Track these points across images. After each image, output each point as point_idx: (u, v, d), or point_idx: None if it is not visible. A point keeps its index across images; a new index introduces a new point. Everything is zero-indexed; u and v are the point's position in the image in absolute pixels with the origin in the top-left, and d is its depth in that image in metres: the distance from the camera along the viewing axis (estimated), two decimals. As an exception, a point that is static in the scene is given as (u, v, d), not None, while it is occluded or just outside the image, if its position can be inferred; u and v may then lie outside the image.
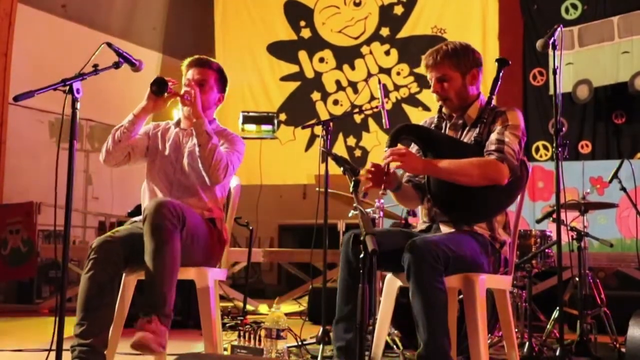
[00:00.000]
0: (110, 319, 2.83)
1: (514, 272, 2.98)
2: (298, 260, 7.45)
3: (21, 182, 7.94)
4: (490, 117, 2.80)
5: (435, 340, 2.45)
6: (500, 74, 2.91)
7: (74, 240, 8.42)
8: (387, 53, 8.96)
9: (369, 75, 8.86)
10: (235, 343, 3.58)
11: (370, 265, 1.91)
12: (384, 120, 4.29)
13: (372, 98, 8.46)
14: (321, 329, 4.00)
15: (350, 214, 4.53)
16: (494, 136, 2.74)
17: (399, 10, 8.97)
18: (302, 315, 5.76)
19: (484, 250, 2.72)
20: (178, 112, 3.34)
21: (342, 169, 2.37)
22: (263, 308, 6.87)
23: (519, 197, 2.92)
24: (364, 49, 9.05)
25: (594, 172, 6.77)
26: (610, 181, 4.40)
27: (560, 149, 3.27)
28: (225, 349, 3.52)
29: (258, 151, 8.06)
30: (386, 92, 7.57)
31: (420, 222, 2.99)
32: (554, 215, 3.52)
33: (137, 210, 4.40)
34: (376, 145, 8.71)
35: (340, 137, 8.91)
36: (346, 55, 9.12)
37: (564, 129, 7.77)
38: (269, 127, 7.86)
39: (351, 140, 8.93)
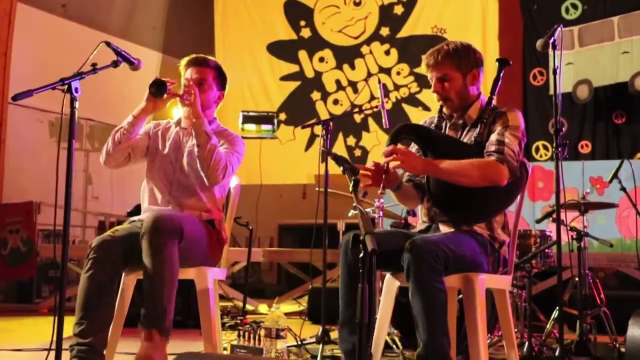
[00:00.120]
0: (110, 318, 2.83)
1: (513, 272, 2.98)
2: (298, 260, 7.45)
3: (21, 181, 7.94)
4: (491, 117, 2.80)
5: (435, 340, 2.45)
6: (501, 74, 2.91)
7: (74, 239, 8.41)
8: (387, 53, 8.96)
9: (369, 75, 8.86)
10: (235, 343, 3.58)
11: (370, 264, 1.91)
12: (383, 120, 4.28)
13: (372, 98, 8.45)
14: (321, 328, 4.00)
15: (350, 214, 4.52)
16: (494, 137, 2.74)
17: (399, 10, 8.97)
18: (302, 315, 5.76)
19: (483, 250, 2.72)
20: (178, 111, 3.34)
21: (341, 168, 2.37)
22: (263, 308, 6.87)
23: (518, 197, 2.92)
24: (364, 49, 9.05)
25: (593, 172, 6.77)
26: (610, 181, 4.40)
27: (560, 149, 3.26)
28: (224, 349, 3.51)
29: (258, 151, 8.06)
30: (386, 92, 7.55)
31: (419, 221, 2.99)
32: (554, 215, 3.52)
33: (136, 210, 4.40)
34: (376, 145, 8.71)
35: (340, 136, 8.91)
36: (346, 55, 9.11)
37: (563, 129, 7.75)
38: (268, 127, 7.86)
39: (351, 140, 8.93)
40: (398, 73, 8.86)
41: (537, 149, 8.66)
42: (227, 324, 5.04)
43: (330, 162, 2.65)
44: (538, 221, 4.42)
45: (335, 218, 5.71)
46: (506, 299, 2.93)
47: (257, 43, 9.44)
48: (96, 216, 8.95)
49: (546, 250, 4.09)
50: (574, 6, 8.52)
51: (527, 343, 3.88)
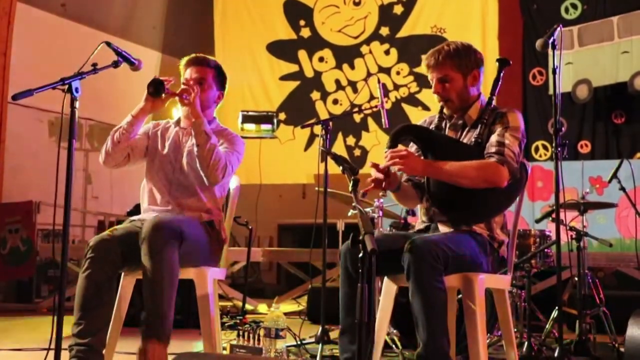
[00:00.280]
0: (108, 318, 2.83)
1: (513, 272, 2.98)
2: (297, 260, 7.45)
3: (20, 181, 7.94)
4: (491, 118, 2.80)
5: (435, 340, 2.45)
6: (501, 74, 2.91)
7: (73, 239, 8.41)
8: (387, 52, 8.95)
9: (369, 74, 8.85)
10: (235, 342, 3.58)
11: (370, 264, 1.91)
12: (383, 120, 4.28)
13: (372, 97, 8.44)
14: (320, 328, 4.00)
15: (349, 214, 4.52)
16: (494, 138, 2.74)
17: (398, 9, 8.96)
18: (301, 315, 5.76)
19: (483, 249, 2.72)
20: (178, 111, 3.33)
21: (341, 168, 2.37)
22: (262, 307, 6.87)
23: (518, 197, 2.92)
24: (364, 49, 9.04)
25: (593, 172, 6.77)
26: (610, 181, 4.40)
27: (559, 149, 3.26)
28: (224, 349, 3.51)
29: (257, 150, 8.05)
30: (386, 92, 7.56)
31: (418, 221, 2.99)
32: (553, 215, 3.52)
33: (136, 210, 4.40)
34: (375, 144, 8.70)
35: (340, 136, 8.90)
36: (346, 55, 9.11)
37: (563, 128, 7.74)
38: (268, 127, 7.85)
39: (350, 140, 8.93)
40: (398, 73, 8.86)
41: (537, 149, 8.66)
42: (226, 324, 5.05)
43: (330, 161, 2.66)
44: (537, 221, 4.42)
45: (335, 218, 5.71)
46: (506, 298, 2.93)
47: (257, 43, 9.44)
48: (96, 216, 8.95)
49: (545, 250, 4.09)
50: (574, 6, 8.53)
51: (526, 343, 3.88)
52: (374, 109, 4.76)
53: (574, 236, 4.14)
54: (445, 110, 2.92)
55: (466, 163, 2.67)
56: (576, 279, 4.18)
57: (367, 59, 9.02)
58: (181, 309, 5.17)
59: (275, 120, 7.94)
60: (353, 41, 9.12)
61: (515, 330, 3.91)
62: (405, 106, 8.75)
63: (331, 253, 4.73)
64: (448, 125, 2.92)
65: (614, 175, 4.37)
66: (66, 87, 2.45)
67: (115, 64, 2.69)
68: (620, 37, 7.99)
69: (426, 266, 2.46)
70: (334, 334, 4.09)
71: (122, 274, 2.96)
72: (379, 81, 4.38)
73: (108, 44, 2.66)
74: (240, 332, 3.57)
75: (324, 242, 4.04)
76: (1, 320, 5.77)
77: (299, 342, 3.95)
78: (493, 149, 2.71)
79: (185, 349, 4.10)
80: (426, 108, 8.46)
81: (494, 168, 2.66)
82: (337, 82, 9.11)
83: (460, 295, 2.92)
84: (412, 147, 2.91)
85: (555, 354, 3.45)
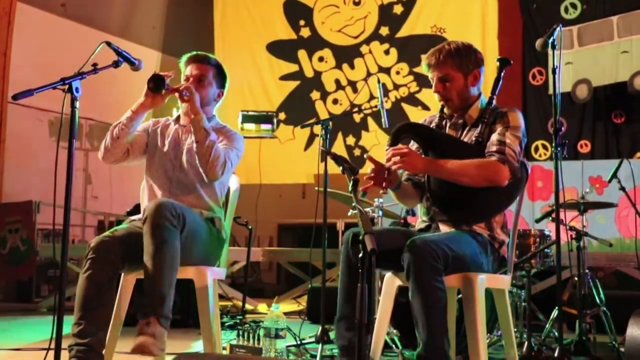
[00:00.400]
0: (108, 318, 2.82)
1: (513, 272, 2.98)
2: (297, 260, 7.44)
3: (20, 181, 7.94)
4: (491, 117, 2.80)
5: (435, 340, 2.45)
6: (502, 74, 2.91)
7: (73, 239, 8.42)
8: (387, 52, 8.96)
9: (369, 74, 8.86)
10: (234, 342, 3.58)
11: (370, 264, 1.91)
12: (383, 120, 4.28)
13: (372, 97, 8.44)
14: (320, 328, 4.00)
15: (349, 213, 4.52)
16: (495, 137, 2.74)
17: (398, 9, 8.97)
18: (301, 315, 5.76)
19: (483, 249, 2.72)
20: (178, 110, 3.33)
21: (341, 168, 2.37)
22: (262, 307, 6.87)
23: (518, 197, 2.92)
24: (364, 48, 9.05)
25: (593, 171, 6.77)
26: (610, 181, 4.39)
27: (559, 149, 3.26)
28: (224, 348, 3.52)
29: (257, 150, 8.06)
30: (385, 92, 7.57)
31: (419, 221, 2.99)
32: (553, 215, 3.52)
33: (136, 209, 4.41)
34: (375, 144, 8.71)
35: (340, 136, 8.91)
36: (346, 55, 9.11)
37: (563, 128, 7.78)
38: (268, 126, 7.85)
39: (350, 140, 8.93)
40: (397, 72, 8.86)
41: (537, 149, 8.66)
42: (226, 324, 5.05)
43: (330, 161, 2.66)
44: (537, 221, 4.42)
45: (335, 217, 5.72)
46: (506, 298, 2.93)
47: (257, 42, 9.44)
48: (95, 215, 8.95)
49: (545, 250, 4.09)
50: (573, 6, 8.52)
51: (526, 343, 3.88)
52: (374, 109, 4.76)
53: (574, 236, 4.14)
54: (445, 110, 2.92)
55: (467, 161, 2.68)
56: (576, 279, 4.18)
57: (367, 59, 9.02)
58: (181, 309, 5.17)
59: (275, 120, 7.95)
60: (353, 41, 9.12)
61: (515, 330, 3.91)
62: (405, 106, 8.75)
63: (331, 253, 4.73)
64: (448, 124, 2.92)
65: (614, 175, 4.36)
66: (66, 87, 2.45)
67: (116, 64, 2.69)
68: (620, 36, 7.99)
69: (426, 266, 2.47)
70: (334, 334, 4.09)
71: (123, 274, 2.95)
72: (378, 81, 4.38)
73: (108, 43, 2.66)
74: (240, 332, 3.58)
75: (323, 242, 4.04)
76: (1, 320, 5.77)
77: (299, 342, 3.95)
78: (494, 148, 2.71)
79: (185, 349, 4.10)
80: (426, 108, 8.47)
81: (495, 167, 2.67)
82: (337, 82, 9.11)
83: (460, 295, 2.92)
84: (413, 146, 2.92)
85: (555, 354, 3.45)
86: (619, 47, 8.01)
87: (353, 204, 2.17)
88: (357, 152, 8.85)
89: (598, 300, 4.22)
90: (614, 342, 4.06)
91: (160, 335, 2.63)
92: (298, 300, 7.16)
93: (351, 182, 2.26)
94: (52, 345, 2.42)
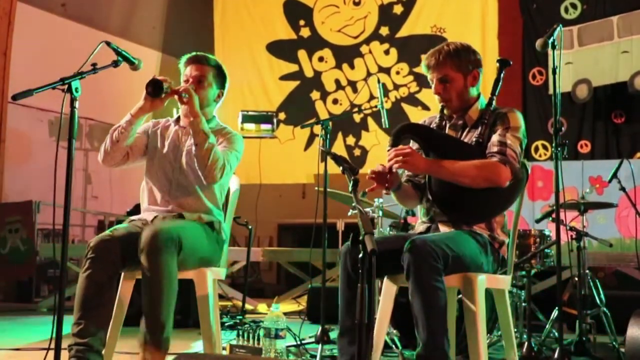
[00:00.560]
0: (108, 318, 2.82)
1: (513, 272, 2.98)
2: (297, 260, 7.45)
3: (20, 180, 7.95)
4: (492, 118, 2.80)
5: (435, 340, 2.45)
6: (502, 75, 2.91)
7: (73, 239, 8.42)
8: (387, 52, 8.96)
9: (369, 74, 8.86)
10: (234, 342, 3.58)
11: (370, 265, 1.91)
12: (383, 120, 4.28)
13: (372, 97, 8.45)
14: (320, 328, 3.99)
15: (349, 213, 4.52)
16: (495, 138, 2.74)
17: (398, 9, 8.97)
18: (301, 315, 5.76)
19: (483, 250, 2.72)
20: (178, 110, 3.33)
21: (341, 168, 2.37)
22: (262, 307, 6.87)
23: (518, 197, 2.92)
24: (364, 48, 9.05)
25: (593, 171, 6.76)
26: (610, 181, 4.39)
27: (559, 149, 3.26)
28: (224, 348, 3.51)
29: (257, 150, 8.06)
30: (385, 92, 7.57)
31: (418, 222, 2.99)
32: (554, 215, 3.52)
33: (136, 209, 4.40)
34: (375, 144, 8.71)
35: (340, 136, 8.91)
36: (345, 55, 9.11)
37: (563, 128, 7.76)
38: (268, 127, 7.85)
39: (350, 140, 8.93)
40: (397, 72, 8.86)
41: (537, 149, 8.66)
42: (226, 324, 5.05)
43: (330, 161, 2.65)
44: (537, 221, 4.42)
45: (335, 217, 5.71)
46: (506, 298, 2.92)
47: (257, 42, 9.44)
48: (95, 215, 8.95)
49: (545, 250, 4.09)
50: (573, 6, 8.52)
51: (526, 343, 3.88)
52: (374, 109, 4.77)
53: (574, 236, 4.14)
54: (445, 111, 2.92)
55: (468, 162, 2.68)
56: (576, 279, 4.17)
57: (366, 59, 9.02)
58: (181, 309, 5.17)
59: (275, 120, 7.95)
60: (353, 41, 9.12)
61: (515, 330, 3.91)
62: (405, 106, 8.75)
63: (331, 253, 4.73)
64: (448, 125, 2.92)
65: (614, 175, 4.36)
66: (66, 87, 2.45)
67: (115, 64, 2.69)
68: (620, 36, 7.99)
69: (426, 266, 2.46)
70: (333, 334, 4.09)
71: (122, 274, 2.95)
72: (378, 81, 4.38)
73: (108, 43, 2.66)
74: (240, 332, 3.57)
75: (323, 242, 4.04)
76: (1, 320, 5.77)
77: (299, 342, 3.95)
78: (495, 149, 2.71)
79: (185, 349, 4.10)
80: (426, 108, 8.47)
81: (497, 167, 2.67)
82: (337, 82, 9.11)
83: (460, 295, 2.91)
84: (414, 146, 2.91)
85: (555, 355, 3.45)
86: (619, 47, 8.00)
87: (353, 204, 2.16)
88: (357, 152, 8.85)
89: (598, 301, 4.21)
90: (614, 343, 4.05)
91: (161, 357, 2.66)
92: (298, 300, 7.16)
93: (351, 182, 2.26)
94: (52, 345, 2.41)
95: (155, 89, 2.96)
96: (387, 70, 8.90)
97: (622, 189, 4.37)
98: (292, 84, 9.26)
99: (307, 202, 8.95)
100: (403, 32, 8.92)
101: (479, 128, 2.79)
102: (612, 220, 6.59)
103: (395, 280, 2.82)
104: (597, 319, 4.17)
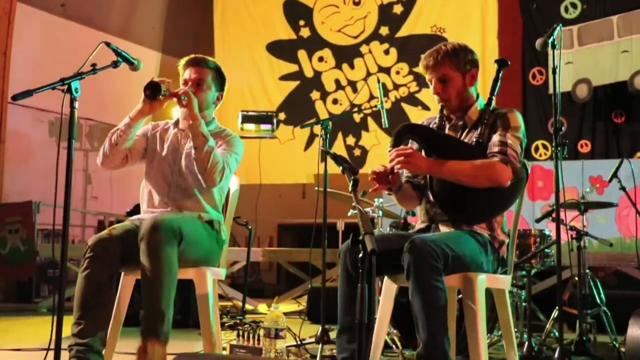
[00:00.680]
0: (108, 318, 2.82)
1: (513, 272, 2.98)
2: (297, 260, 7.45)
3: (20, 181, 7.95)
4: (491, 118, 2.81)
5: (435, 340, 2.45)
6: (500, 75, 2.91)
7: (73, 239, 8.43)
8: (387, 52, 8.96)
9: (368, 74, 8.85)
10: (234, 342, 3.58)
11: (370, 265, 1.91)
12: (383, 120, 4.28)
13: (372, 97, 8.45)
14: (320, 328, 3.99)
15: (349, 213, 4.52)
16: (496, 138, 2.75)
17: (398, 9, 8.96)
18: (301, 315, 5.76)
19: (483, 249, 2.72)
20: (177, 112, 3.32)
21: (341, 168, 2.37)
22: (262, 307, 6.87)
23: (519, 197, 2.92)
24: (363, 48, 9.05)
25: (593, 171, 6.76)
26: (610, 180, 4.39)
27: (559, 148, 3.26)
28: (224, 349, 3.51)
29: (257, 150, 8.06)
30: (385, 91, 7.57)
31: (418, 222, 2.99)
32: (554, 215, 3.51)
33: (136, 210, 4.39)
34: (375, 144, 8.70)
35: (340, 136, 8.90)
36: (345, 55, 9.11)
37: (563, 128, 7.76)
38: (268, 127, 7.85)
39: (350, 140, 8.93)
40: (397, 72, 8.86)
41: (537, 149, 8.66)
42: (226, 324, 5.05)
43: (330, 161, 2.66)
44: (538, 220, 4.42)
45: (335, 217, 5.71)
46: (506, 298, 2.92)
47: (257, 43, 9.44)
48: (95, 216, 8.95)
49: (546, 250, 4.09)
50: (573, 5, 8.52)
51: (526, 343, 3.88)
52: (374, 109, 4.76)
53: (574, 236, 4.13)
54: (445, 111, 2.92)
55: (470, 162, 2.68)
56: (576, 278, 4.17)
57: (366, 59, 9.02)
58: (181, 309, 5.17)
59: (275, 120, 7.94)
60: (353, 41, 9.12)
61: (515, 330, 3.90)
62: (405, 106, 8.75)
63: (331, 253, 4.73)
64: (448, 126, 2.93)
65: (614, 175, 4.36)
66: (66, 87, 2.45)
67: (115, 64, 2.69)
68: (620, 36, 7.99)
69: (426, 266, 2.46)
70: (333, 334, 4.09)
71: (122, 273, 2.95)
72: (378, 81, 4.38)
73: (107, 44, 2.66)
74: (240, 332, 3.57)
75: (323, 242, 4.04)
76: (1, 320, 5.77)
77: (299, 342, 3.95)
78: (496, 149, 2.72)
79: (185, 349, 4.10)
80: (426, 108, 8.47)
81: (498, 167, 2.67)
82: (337, 81, 9.11)
83: (460, 295, 2.91)
84: (414, 147, 2.91)
85: (556, 354, 3.44)
86: (619, 47, 8.00)
87: (353, 204, 2.16)
88: (357, 152, 8.84)
89: (598, 300, 4.21)
90: (614, 342, 4.05)
91: (160, 351, 2.64)
92: (298, 300, 7.16)
93: (351, 182, 2.26)
94: (52, 345, 2.41)
95: (153, 91, 2.95)
96: (387, 70, 8.89)
97: (622, 188, 4.37)
98: (292, 84, 9.26)
99: (307, 202, 8.95)
100: (403, 32, 8.92)
101: (479, 128, 2.79)
102: (612, 220, 6.59)
103: (395, 280, 2.82)
104: (598, 318, 4.17)
